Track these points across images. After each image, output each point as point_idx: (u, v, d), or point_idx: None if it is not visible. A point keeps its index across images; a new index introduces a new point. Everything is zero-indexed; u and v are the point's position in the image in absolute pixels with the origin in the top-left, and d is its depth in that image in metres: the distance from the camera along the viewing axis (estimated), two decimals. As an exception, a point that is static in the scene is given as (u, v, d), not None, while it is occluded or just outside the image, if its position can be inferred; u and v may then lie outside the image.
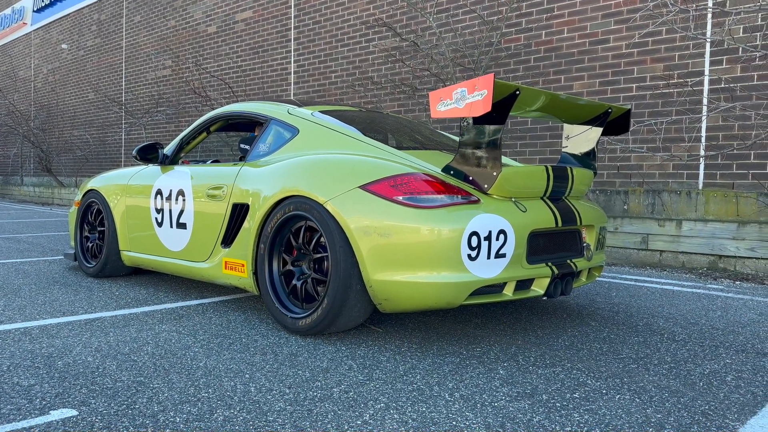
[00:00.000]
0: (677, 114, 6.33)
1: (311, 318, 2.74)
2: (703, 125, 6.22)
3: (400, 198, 2.57)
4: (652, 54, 6.62)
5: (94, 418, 1.86)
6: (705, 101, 6.19)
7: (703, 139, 6.28)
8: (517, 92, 2.54)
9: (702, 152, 6.15)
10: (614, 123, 3.21)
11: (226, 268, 3.28)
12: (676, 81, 6.40)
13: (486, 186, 2.68)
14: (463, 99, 2.49)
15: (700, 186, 6.31)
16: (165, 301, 3.59)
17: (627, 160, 6.73)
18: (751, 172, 6.00)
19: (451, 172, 2.77)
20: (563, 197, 3.00)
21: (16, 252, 5.70)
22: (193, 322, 3.09)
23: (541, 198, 2.88)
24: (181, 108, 12.81)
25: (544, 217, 2.78)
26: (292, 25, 10.75)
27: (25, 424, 1.81)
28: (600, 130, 3.19)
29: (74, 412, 1.90)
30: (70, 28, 17.14)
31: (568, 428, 1.83)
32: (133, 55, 14.55)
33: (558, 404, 2.02)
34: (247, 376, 2.26)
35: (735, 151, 5.90)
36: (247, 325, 3.03)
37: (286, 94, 10.85)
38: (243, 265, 3.14)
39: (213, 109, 11.34)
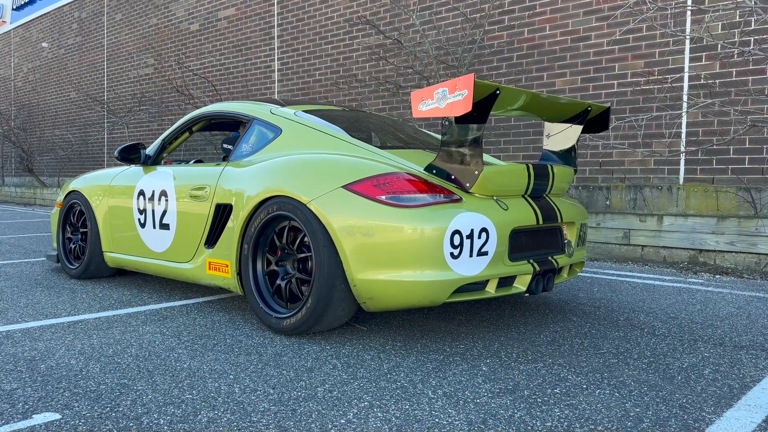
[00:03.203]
0: (658, 110, 6.40)
1: (296, 318, 2.75)
2: (683, 121, 6.30)
3: (383, 197, 2.59)
4: (633, 51, 6.69)
5: (77, 421, 1.86)
6: (685, 98, 6.27)
7: (683, 135, 6.36)
8: (498, 92, 2.57)
9: (682, 148, 6.23)
10: (594, 121, 3.25)
11: (210, 269, 3.27)
12: (656, 77, 6.47)
13: (468, 185, 2.70)
14: (444, 99, 2.51)
15: (681, 181, 6.40)
16: (149, 302, 3.58)
17: (609, 156, 6.80)
18: (730, 167, 6.10)
19: (434, 171, 2.79)
20: (544, 195, 3.04)
21: (-2, 254, 5.64)
22: (177, 323, 3.09)
23: (523, 196, 2.91)
24: (164, 107, 12.72)
25: (525, 215, 2.81)
26: (276, 23, 10.71)
27: (7, 428, 1.80)
28: (580, 127, 3.23)
29: (57, 416, 1.90)
30: (51, 27, 16.93)
31: (549, 423, 1.86)
32: (115, 54, 14.41)
33: (539, 400, 2.05)
34: (231, 376, 2.27)
35: (715, 147, 5.99)
36: (232, 326, 3.03)
37: (270, 91, 10.81)
38: (227, 266, 3.14)
39: (196, 107, 11.27)
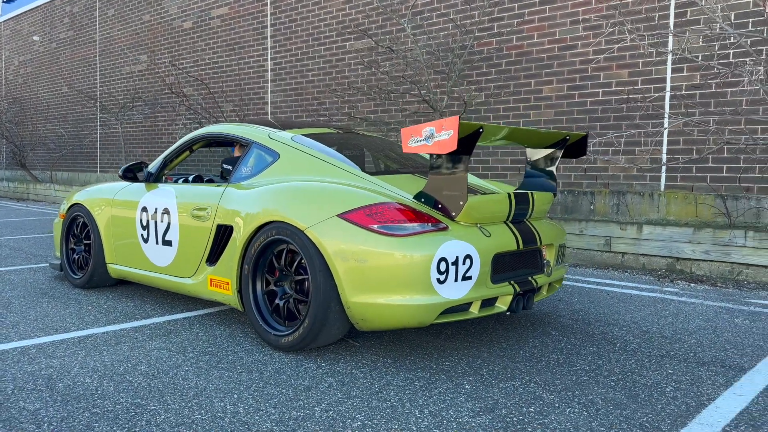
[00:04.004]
0: (641, 118, 6.63)
1: (293, 336, 2.96)
2: (665, 131, 6.53)
3: (375, 226, 2.80)
4: (618, 60, 6.90)
5: (99, 442, 2.07)
6: (667, 109, 6.50)
7: (665, 144, 6.60)
8: (481, 130, 2.77)
9: (664, 159, 6.47)
10: (572, 147, 3.46)
11: (211, 285, 3.47)
12: (638, 87, 6.70)
13: (454, 214, 2.91)
14: (432, 137, 2.72)
15: (662, 188, 6.64)
16: (152, 315, 3.77)
17: (593, 163, 7.03)
18: (709, 175, 6.35)
19: (422, 200, 3.00)
20: (525, 219, 3.25)
21: (0, 259, 5.79)
22: (181, 338, 3.29)
23: (504, 222, 3.12)
24: (158, 107, 12.79)
25: (506, 240, 3.03)
26: (269, 23, 10.82)
27: (37, 450, 2.00)
28: (560, 153, 3.44)
29: (80, 437, 2.10)
30: (42, 20, 16.91)
31: (522, 443, 2.09)
32: (108, 49, 14.45)
33: (515, 418, 2.28)
34: (235, 396, 2.48)
35: (694, 156, 6.23)
36: (233, 341, 3.24)
37: (263, 91, 10.95)
38: (228, 284, 3.34)
39: (189, 106, 11.38)
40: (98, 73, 14.77)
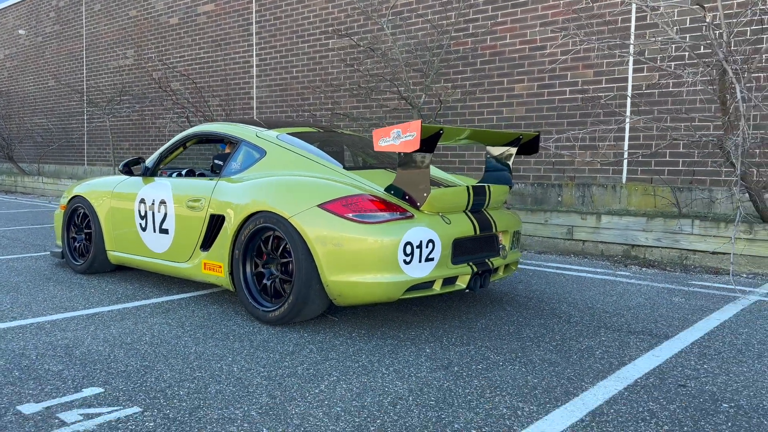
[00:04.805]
0: (605, 115, 7.11)
1: (279, 311, 3.39)
2: (626, 127, 7.02)
3: (350, 215, 3.23)
4: (583, 61, 7.37)
5: (117, 393, 2.48)
6: (628, 104, 6.99)
7: (626, 139, 7.09)
8: (441, 131, 3.20)
9: (626, 151, 6.96)
10: (526, 145, 3.91)
11: (205, 269, 3.88)
12: (604, 86, 7.18)
13: (419, 204, 3.35)
14: (399, 138, 3.14)
15: (624, 180, 7.14)
16: (151, 296, 4.18)
17: (560, 157, 7.51)
18: (666, 168, 6.85)
19: (392, 192, 3.43)
20: (482, 209, 3.70)
21: (0, 248, 6.14)
22: (179, 314, 3.70)
23: (464, 211, 3.57)
24: (147, 102, 13.06)
25: (465, 227, 3.47)
26: (254, 20, 11.16)
27: (67, 398, 2.41)
28: (515, 150, 3.89)
29: (101, 390, 2.51)
30: (27, 14, 17.04)
31: (468, 390, 2.54)
32: (94, 44, 14.67)
33: (464, 373, 2.73)
34: (229, 359, 2.90)
35: (652, 150, 6.72)
36: (225, 317, 3.66)
37: (248, 86, 11.29)
38: (220, 267, 3.76)
39: (176, 102, 11.70)
40: (85, 67, 14.98)
